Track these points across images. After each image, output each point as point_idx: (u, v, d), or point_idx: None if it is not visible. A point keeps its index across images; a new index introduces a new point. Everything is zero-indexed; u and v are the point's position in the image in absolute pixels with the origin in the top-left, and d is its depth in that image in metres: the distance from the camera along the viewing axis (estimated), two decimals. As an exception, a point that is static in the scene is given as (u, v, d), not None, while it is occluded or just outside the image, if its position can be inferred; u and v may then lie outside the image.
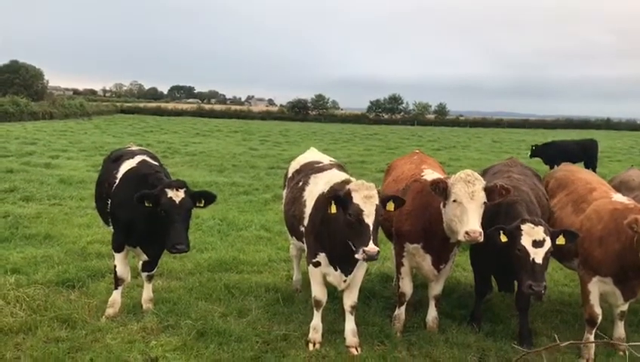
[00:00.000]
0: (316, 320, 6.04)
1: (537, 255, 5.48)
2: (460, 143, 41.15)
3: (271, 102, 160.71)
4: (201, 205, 6.05)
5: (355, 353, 5.82)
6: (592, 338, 5.97)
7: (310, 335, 6.00)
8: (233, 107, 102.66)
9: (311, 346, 5.91)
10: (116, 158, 6.89)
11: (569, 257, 6.27)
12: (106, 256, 8.36)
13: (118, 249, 6.47)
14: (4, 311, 6.17)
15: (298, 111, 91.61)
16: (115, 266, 6.52)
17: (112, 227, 6.61)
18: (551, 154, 21.89)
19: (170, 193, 5.75)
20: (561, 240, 5.62)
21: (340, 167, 6.80)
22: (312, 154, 7.38)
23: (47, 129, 38.58)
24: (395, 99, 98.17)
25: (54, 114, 55.53)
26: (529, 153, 23.12)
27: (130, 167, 6.51)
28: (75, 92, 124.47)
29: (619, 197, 6.16)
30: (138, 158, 6.67)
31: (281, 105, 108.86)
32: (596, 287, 5.94)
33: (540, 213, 6.26)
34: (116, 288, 6.54)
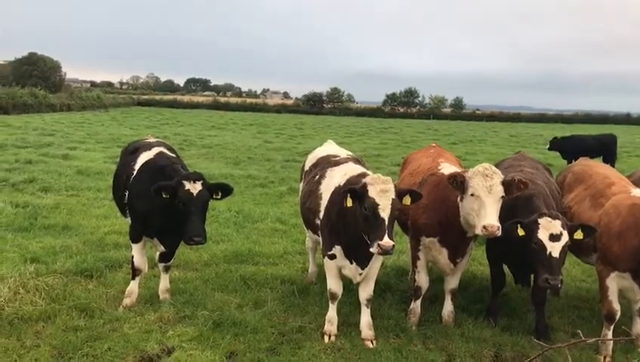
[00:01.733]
0: (331, 313, 6.06)
1: (554, 249, 5.45)
2: (477, 137, 40.87)
3: (286, 95, 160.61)
4: (218, 197, 6.08)
5: (371, 346, 5.83)
6: (610, 334, 5.91)
7: (325, 327, 6.02)
8: (248, 100, 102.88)
9: (326, 338, 5.92)
10: (134, 150, 6.94)
11: (587, 252, 6.21)
12: (124, 246, 8.44)
13: (135, 240, 6.52)
14: (24, 299, 6.26)
15: (313, 104, 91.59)
16: (132, 257, 6.59)
17: (129, 218, 6.67)
18: (569, 148, 21.64)
19: (188, 185, 5.79)
20: (579, 235, 5.58)
21: (357, 161, 6.79)
22: (330, 148, 7.38)
23: (64, 120, 38.97)
24: (411, 93, 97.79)
25: (72, 106, 56.07)
26: (547, 146, 22.83)
27: (147, 159, 6.55)
28: (93, 84, 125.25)
29: (638, 192, 6.09)
30: (155, 150, 6.71)
31: (296, 99, 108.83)
32: (614, 283, 5.87)
33: (555, 206, 6.22)
34: (133, 278, 6.60)
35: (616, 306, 5.93)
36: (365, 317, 6.02)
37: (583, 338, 4.39)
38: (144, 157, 6.58)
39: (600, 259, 5.99)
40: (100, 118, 45.66)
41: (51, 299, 6.40)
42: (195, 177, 5.88)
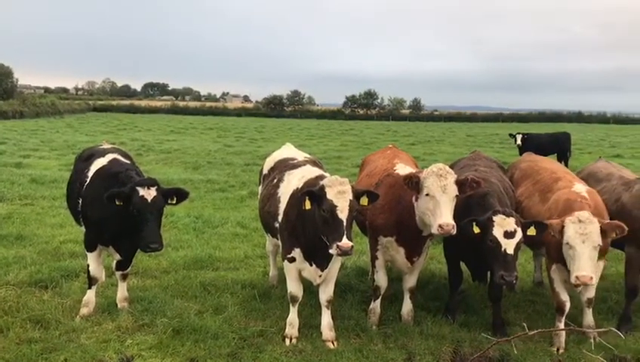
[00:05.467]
0: (292, 316, 6.08)
1: (509, 246, 5.58)
2: (435, 138, 41.49)
3: (246, 98, 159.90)
4: (173, 202, 6.02)
5: (332, 347, 5.86)
6: (562, 325, 6.09)
7: (287, 330, 6.03)
8: (208, 104, 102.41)
9: (287, 341, 5.94)
10: (87, 157, 6.82)
11: (539, 245, 6.40)
12: (80, 255, 8.25)
13: (90, 248, 6.40)
14: (-25, 313, 6.08)
15: (274, 107, 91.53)
16: (88, 266, 6.46)
17: (84, 226, 6.54)
18: (526, 146, 22.11)
19: (142, 191, 5.71)
20: (531, 231, 5.72)
21: (315, 163, 6.83)
22: (287, 151, 7.39)
23: (17, 128, 37.87)
24: (370, 95, 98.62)
25: (25, 113, 54.51)
26: (519, 143, 22.58)
27: (101, 166, 6.44)
28: (46, 90, 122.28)
29: (578, 188, 6.28)
30: (109, 157, 6.60)
31: (256, 102, 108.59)
32: (557, 274, 6.10)
33: (510, 204, 6.38)
34: (90, 287, 6.48)
35: (564, 297, 6.13)
36: (326, 319, 6.05)
37: (527, 330, 4.56)
38: (98, 164, 6.47)
39: (546, 252, 6.21)
40: (54, 124, 44.61)
41: (4, 312, 6.22)
42: (149, 183, 5.81)
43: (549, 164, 7.54)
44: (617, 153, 29.21)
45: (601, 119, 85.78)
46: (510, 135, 24.10)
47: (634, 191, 6.52)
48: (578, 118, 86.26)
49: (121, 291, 6.67)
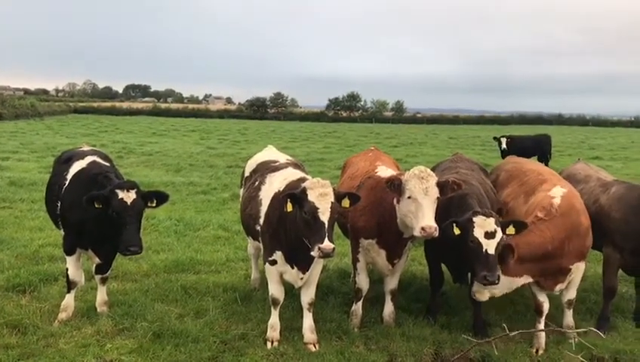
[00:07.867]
0: (274, 319, 6.06)
1: (490, 246, 5.59)
2: (417, 140, 41.67)
3: (229, 100, 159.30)
4: (153, 205, 5.97)
5: (314, 349, 5.86)
6: (541, 326, 6.14)
7: (268, 333, 6.02)
8: (190, 106, 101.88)
9: (269, 344, 5.92)
10: (66, 159, 6.75)
11: None
12: (59, 259, 8.15)
13: (69, 252, 6.33)
14: (-50, 319, 5.97)
15: (257, 109, 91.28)
16: (67, 269, 6.38)
17: (63, 230, 6.46)
18: (509, 149, 22.29)
19: (121, 194, 5.66)
20: (511, 230, 5.75)
21: (296, 166, 6.82)
22: (269, 153, 7.38)
23: (-4, 130, 37.36)
24: (353, 97, 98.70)
25: (4, 115, 53.66)
26: (504, 146, 22.64)
27: (80, 168, 6.38)
28: (26, 92, 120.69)
29: (554, 191, 6.29)
30: (88, 159, 6.53)
31: (239, 104, 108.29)
32: None
33: (490, 206, 6.41)
34: (69, 292, 6.41)
35: (541, 298, 6.20)
36: (308, 321, 6.05)
37: (508, 331, 4.59)
38: (77, 167, 6.41)
39: None
40: (34, 126, 44.00)
41: (-20, 317, 6.12)
42: (129, 186, 5.76)
43: (535, 166, 7.62)
44: (596, 155, 29.63)
45: (581, 121, 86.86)
46: (494, 138, 24.23)
47: (611, 193, 6.62)
48: (558, 120, 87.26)
49: (101, 295, 6.60)
